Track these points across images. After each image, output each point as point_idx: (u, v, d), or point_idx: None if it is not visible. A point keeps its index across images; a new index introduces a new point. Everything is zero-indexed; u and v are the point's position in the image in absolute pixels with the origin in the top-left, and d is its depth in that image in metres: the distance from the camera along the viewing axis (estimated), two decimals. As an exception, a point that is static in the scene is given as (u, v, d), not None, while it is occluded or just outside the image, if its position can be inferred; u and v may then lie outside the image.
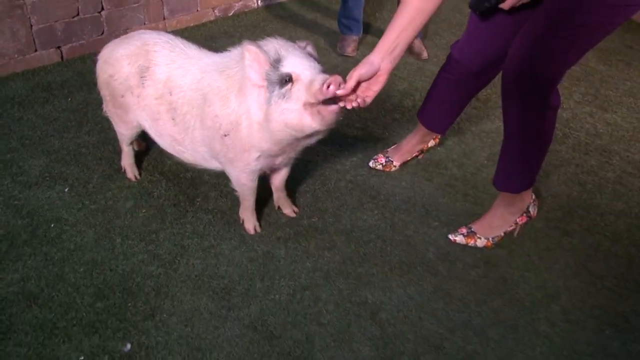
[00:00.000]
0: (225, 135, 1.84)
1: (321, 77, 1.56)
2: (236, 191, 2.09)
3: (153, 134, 2.10)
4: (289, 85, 1.62)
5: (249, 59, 1.67)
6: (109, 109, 2.18)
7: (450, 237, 2.20)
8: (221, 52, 1.95)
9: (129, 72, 2.01)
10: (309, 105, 1.60)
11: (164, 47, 2.00)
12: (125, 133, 2.21)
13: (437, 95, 2.41)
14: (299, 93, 1.61)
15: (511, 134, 2.05)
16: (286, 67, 1.64)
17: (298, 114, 1.63)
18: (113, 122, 2.22)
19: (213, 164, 2.04)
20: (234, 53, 1.87)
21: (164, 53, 1.99)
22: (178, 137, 2.01)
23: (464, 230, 2.20)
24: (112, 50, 2.07)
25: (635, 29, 4.51)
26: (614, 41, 4.23)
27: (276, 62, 1.65)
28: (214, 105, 1.83)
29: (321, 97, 1.56)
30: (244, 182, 2.00)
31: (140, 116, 2.07)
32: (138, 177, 2.33)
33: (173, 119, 1.98)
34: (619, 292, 2.08)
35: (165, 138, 2.06)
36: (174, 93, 1.94)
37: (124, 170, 2.33)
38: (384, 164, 2.51)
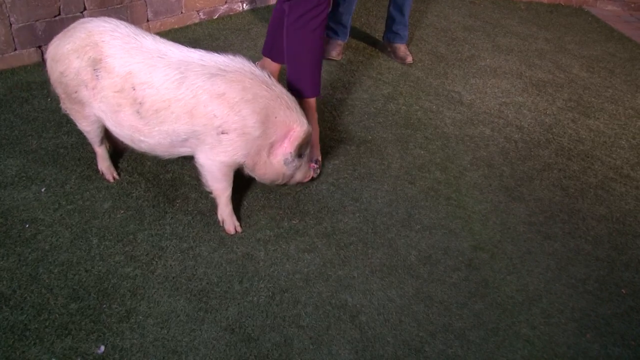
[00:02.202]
0: (223, 133, 1.93)
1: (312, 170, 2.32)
2: (210, 193, 2.09)
3: (111, 124, 2.04)
4: (302, 161, 2.17)
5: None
6: (66, 106, 2.14)
7: None
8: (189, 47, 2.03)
9: (79, 66, 1.96)
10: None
11: (113, 36, 1.96)
12: (87, 129, 2.16)
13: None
14: (303, 169, 2.22)
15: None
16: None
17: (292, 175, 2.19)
18: (74, 120, 2.18)
19: (177, 152, 2.06)
20: (232, 60, 2.00)
21: (116, 44, 1.95)
22: (143, 128, 1.97)
23: None
24: (57, 46, 2.02)
25: (617, 37, 4.56)
26: (596, 49, 4.27)
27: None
28: (211, 106, 1.90)
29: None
30: (218, 175, 2.03)
31: (98, 108, 2.03)
32: (117, 177, 2.29)
33: (138, 112, 1.95)
34: (600, 295, 2.08)
35: (125, 129, 2.01)
36: (138, 89, 1.92)
37: (102, 173, 2.29)
38: None
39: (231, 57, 2.01)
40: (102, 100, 1.99)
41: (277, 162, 2.08)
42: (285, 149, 2.06)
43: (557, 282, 2.11)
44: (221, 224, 2.14)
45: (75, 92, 2.02)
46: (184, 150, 2.05)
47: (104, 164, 2.28)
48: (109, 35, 1.96)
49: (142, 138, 2.00)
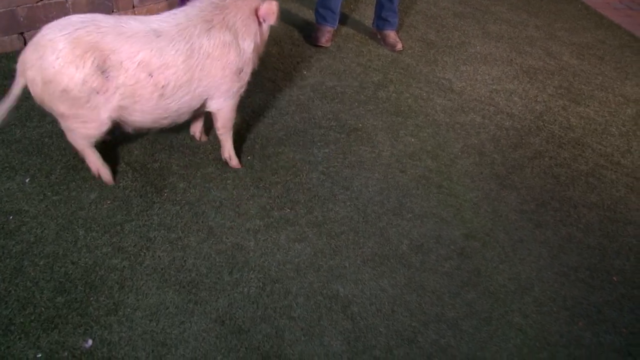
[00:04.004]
0: (241, 71, 2.14)
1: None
2: (221, 134, 2.28)
3: (134, 116, 1.99)
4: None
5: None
6: (69, 123, 1.95)
7: None
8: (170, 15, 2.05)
9: (83, 75, 1.82)
10: None
11: (102, 32, 1.85)
12: (95, 133, 2.00)
13: None
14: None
15: None
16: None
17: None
18: (74, 134, 2.01)
19: (191, 114, 2.16)
20: (203, 5, 2.05)
21: (110, 39, 1.85)
22: (170, 106, 2.01)
23: None
24: (41, 67, 1.81)
25: (607, 25, 4.55)
26: (587, 36, 4.26)
27: None
28: (228, 55, 2.06)
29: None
30: (233, 112, 2.25)
31: (117, 107, 1.94)
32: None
33: (162, 95, 1.97)
34: (592, 283, 2.08)
35: (150, 115, 2.00)
36: (156, 74, 1.91)
37: (98, 175, 2.16)
38: None
39: (191, 4, 2.09)
40: (122, 97, 1.91)
41: (265, 36, 2.23)
42: (270, 22, 2.19)
43: (549, 270, 2.10)
44: (229, 162, 2.33)
45: (87, 101, 1.88)
46: (198, 109, 2.16)
47: (99, 163, 2.13)
48: (97, 32, 1.85)
49: (165, 115, 2.04)
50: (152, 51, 1.90)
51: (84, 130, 1.98)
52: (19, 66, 1.90)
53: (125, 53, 1.86)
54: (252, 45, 2.14)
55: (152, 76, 1.91)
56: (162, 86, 1.94)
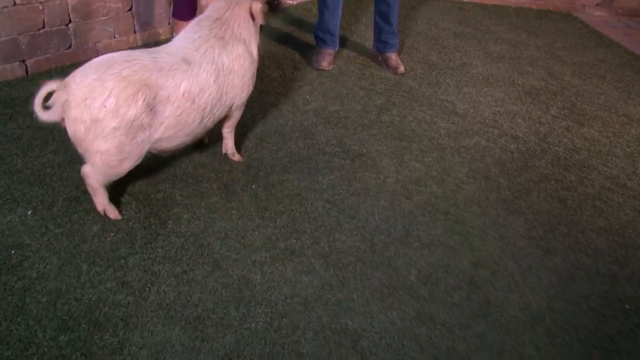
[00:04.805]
0: (254, 74, 2.34)
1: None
2: (229, 132, 2.47)
3: (173, 143, 2.10)
4: None
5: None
6: (105, 161, 1.95)
7: None
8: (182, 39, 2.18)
9: (135, 114, 1.88)
10: None
11: (146, 68, 1.92)
12: (126, 170, 2.03)
13: None
14: None
15: None
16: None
17: None
18: (101, 173, 2.00)
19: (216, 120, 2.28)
20: (210, 24, 2.19)
21: (155, 75, 1.93)
22: (205, 124, 2.16)
23: None
24: (94, 103, 1.83)
25: (607, 43, 4.56)
26: (587, 55, 4.27)
27: None
28: (244, 64, 2.23)
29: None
30: (243, 106, 2.40)
31: (159, 140, 2.03)
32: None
33: (202, 117, 2.11)
34: (604, 312, 2.04)
35: (189, 137, 2.14)
36: (197, 100, 2.06)
37: (104, 213, 2.12)
38: None
39: (197, 25, 2.20)
40: (166, 129, 2.01)
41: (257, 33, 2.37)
42: (259, 22, 2.33)
43: (559, 299, 2.07)
44: (231, 157, 2.49)
45: (134, 138, 1.93)
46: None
47: (106, 202, 2.11)
48: (143, 71, 1.91)
49: (200, 132, 2.19)
50: (190, 80, 2.02)
51: (118, 168, 2.00)
52: (57, 105, 1.86)
53: (170, 87, 1.96)
54: (257, 47, 2.34)
55: (194, 103, 2.05)
56: (203, 109, 2.09)
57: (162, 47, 2.16)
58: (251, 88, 2.35)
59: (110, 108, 1.84)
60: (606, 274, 2.22)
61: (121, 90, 1.84)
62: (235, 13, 2.23)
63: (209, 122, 2.19)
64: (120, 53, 1.99)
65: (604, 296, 2.11)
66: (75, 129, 1.89)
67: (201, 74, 2.06)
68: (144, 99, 1.88)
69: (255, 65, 2.34)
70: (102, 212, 2.12)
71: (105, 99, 1.83)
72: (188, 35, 2.16)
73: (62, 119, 1.91)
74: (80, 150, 1.98)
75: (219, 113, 2.21)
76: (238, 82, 2.22)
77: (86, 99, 1.83)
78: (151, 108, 1.91)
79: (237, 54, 2.19)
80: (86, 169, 2.03)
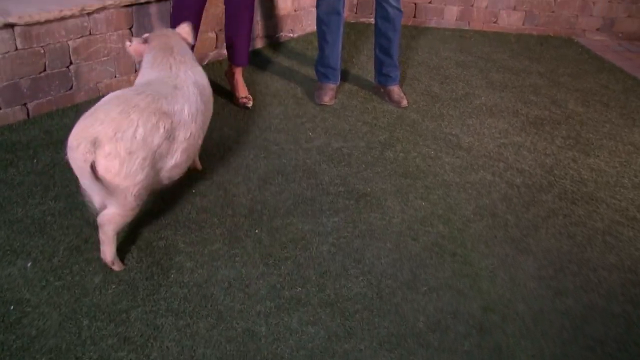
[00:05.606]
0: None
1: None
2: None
3: (180, 169, 2.16)
4: None
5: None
6: (140, 195, 1.98)
7: None
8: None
9: (158, 142, 1.96)
10: None
11: (155, 98, 2.00)
12: (140, 203, 2.05)
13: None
14: None
15: None
16: None
17: None
18: (123, 215, 2.01)
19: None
20: (173, 50, 2.32)
21: (164, 102, 2.02)
22: (201, 142, 2.32)
23: None
24: (125, 135, 1.85)
25: (609, 68, 4.55)
26: (590, 81, 4.25)
27: None
28: (205, 78, 2.38)
29: None
30: None
31: (170, 166, 2.10)
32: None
33: (200, 136, 2.25)
34: (621, 357, 1.98)
35: (185, 164, 2.19)
36: (197, 120, 2.16)
37: (112, 263, 2.07)
38: None
39: (157, 58, 2.29)
40: (182, 152, 2.10)
41: None
42: (191, 42, 2.53)
43: (573, 344, 2.01)
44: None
45: (154, 166, 1.99)
46: None
47: (114, 254, 2.07)
48: (155, 101, 1.99)
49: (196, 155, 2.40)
50: (189, 102, 2.13)
51: (136, 203, 2.01)
52: (82, 148, 1.82)
53: (179, 112, 2.06)
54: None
55: (196, 122, 2.15)
56: (201, 127, 2.23)
57: (143, 82, 2.23)
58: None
59: (140, 139, 1.89)
60: (620, 315, 2.16)
61: (146, 120, 1.91)
62: (176, 41, 2.37)
63: (202, 140, 2.34)
64: (123, 90, 2.08)
65: (620, 339, 2.06)
66: (110, 166, 1.85)
67: (191, 96, 2.17)
68: (164, 127, 1.97)
69: None
70: (110, 264, 2.07)
71: (134, 131, 1.88)
72: (156, 66, 2.26)
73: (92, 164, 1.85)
74: (103, 193, 1.92)
75: (206, 127, 2.36)
76: (210, 94, 2.39)
77: (116, 133, 1.85)
78: (169, 135, 2.00)
79: (201, 71, 2.36)
80: (107, 216, 1.99)
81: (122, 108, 1.90)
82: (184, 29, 2.48)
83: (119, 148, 1.85)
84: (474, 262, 2.32)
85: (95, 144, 1.82)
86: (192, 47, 2.49)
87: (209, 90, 2.38)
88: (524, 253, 2.41)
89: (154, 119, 1.94)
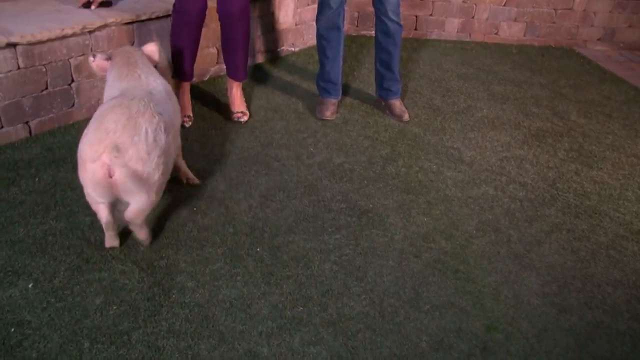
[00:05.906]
0: None
1: None
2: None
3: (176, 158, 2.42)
4: None
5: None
6: (161, 187, 2.19)
7: None
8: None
9: (165, 139, 2.14)
10: None
11: (147, 101, 2.12)
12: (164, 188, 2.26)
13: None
14: None
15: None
16: None
17: None
18: (154, 203, 2.19)
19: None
20: (139, 62, 2.43)
21: (155, 105, 2.16)
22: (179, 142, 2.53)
23: None
24: (141, 137, 2.02)
25: (611, 79, 4.54)
26: (592, 92, 4.24)
27: None
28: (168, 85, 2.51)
29: None
30: None
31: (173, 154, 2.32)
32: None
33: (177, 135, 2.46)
34: (625, 376, 1.96)
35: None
36: (174, 121, 2.36)
37: (150, 243, 2.33)
38: None
39: (122, 70, 2.37)
40: (174, 150, 2.33)
41: None
42: (156, 60, 2.64)
43: (578, 363, 1.99)
44: (190, 182, 2.72)
45: (166, 163, 2.17)
46: None
47: (147, 231, 2.30)
48: (147, 105, 2.11)
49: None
50: (167, 104, 2.29)
51: (158, 196, 2.18)
52: (104, 157, 1.96)
53: (165, 113, 2.21)
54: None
55: (174, 124, 2.34)
56: (177, 128, 2.43)
57: (116, 94, 2.27)
58: None
59: (152, 140, 2.03)
60: (625, 333, 2.14)
61: (150, 122, 2.05)
62: (139, 56, 2.46)
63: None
64: (112, 101, 2.13)
65: (625, 357, 2.04)
66: (136, 168, 1.99)
67: (164, 100, 2.31)
68: (164, 127, 2.12)
69: None
70: (148, 244, 2.29)
71: (145, 133, 2.02)
72: (124, 78, 2.33)
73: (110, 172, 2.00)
74: (129, 192, 2.06)
75: (178, 134, 2.52)
76: (176, 102, 2.50)
77: (133, 137, 1.98)
78: (168, 133, 2.15)
79: (163, 80, 2.45)
80: (133, 212, 2.12)
81: (127, 115, 2.01)
82: (150, 48, 2.57)
83: (141, 150, 1.99)
84: (477, 279, 2.31)
85: (118, 151, 1.95)
86: (155, 66, 2.57)
87: (175, 98, 2.49)
88: (527, 269, 2.39)
89: (156, 120, 2.08)
